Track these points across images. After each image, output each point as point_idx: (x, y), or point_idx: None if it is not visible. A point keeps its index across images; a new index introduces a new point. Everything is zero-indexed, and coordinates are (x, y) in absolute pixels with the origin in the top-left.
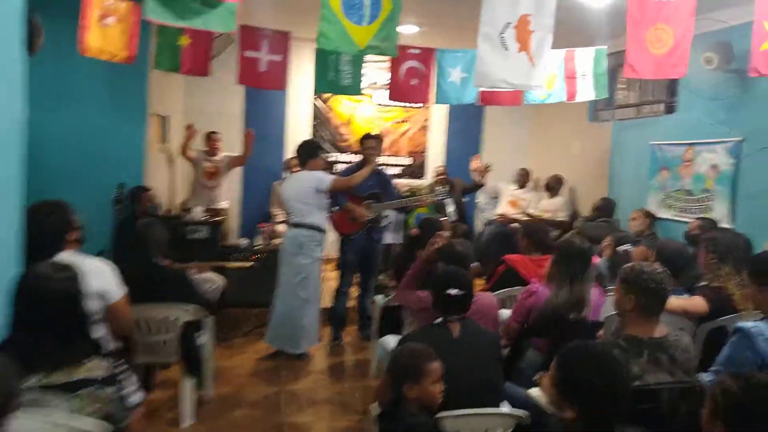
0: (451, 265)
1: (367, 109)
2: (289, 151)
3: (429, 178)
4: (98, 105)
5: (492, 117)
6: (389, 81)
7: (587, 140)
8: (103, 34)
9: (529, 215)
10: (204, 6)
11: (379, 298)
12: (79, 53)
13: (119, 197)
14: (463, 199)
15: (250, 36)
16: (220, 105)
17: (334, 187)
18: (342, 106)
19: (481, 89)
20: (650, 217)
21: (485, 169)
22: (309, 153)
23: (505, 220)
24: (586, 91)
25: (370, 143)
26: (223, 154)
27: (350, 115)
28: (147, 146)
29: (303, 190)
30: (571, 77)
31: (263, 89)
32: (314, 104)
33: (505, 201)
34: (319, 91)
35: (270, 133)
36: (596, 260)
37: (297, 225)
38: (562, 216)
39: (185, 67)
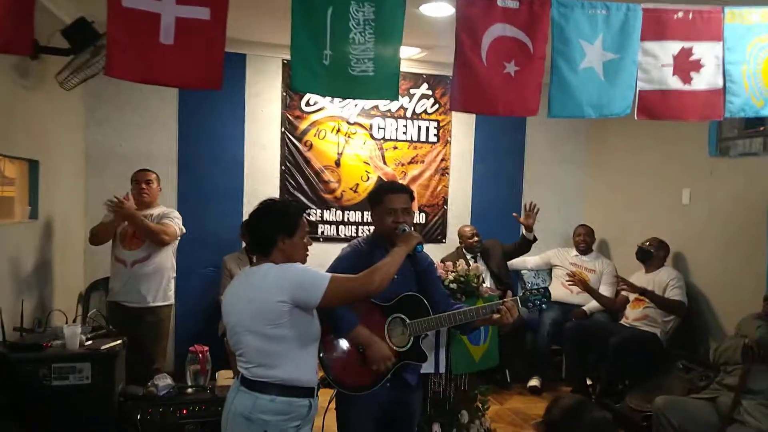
0: None
1: (362, 145)
2: (250, 209)
3: (456, 242)
4: None
5: (535, 151)
6: (455, 72)
7: (705, 184)
8: None
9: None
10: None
11: None
12: None
13: None
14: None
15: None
16: (136, 143)
17: (332, 296)
18: (326, 141)
19: (645, 88)
20: None
21: (532, 211)
22: (275, 227)
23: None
24: None
25: (398, 201)
26: (160, 208)
27: (338, 154)
28: None
29: (264, 306)
30: None
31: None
32: (285, 139)
33: (561, 273)
34: (303, 89)
35: (218, 182)
36: None
37: (253, 384)
38: (677, 294)
39: None
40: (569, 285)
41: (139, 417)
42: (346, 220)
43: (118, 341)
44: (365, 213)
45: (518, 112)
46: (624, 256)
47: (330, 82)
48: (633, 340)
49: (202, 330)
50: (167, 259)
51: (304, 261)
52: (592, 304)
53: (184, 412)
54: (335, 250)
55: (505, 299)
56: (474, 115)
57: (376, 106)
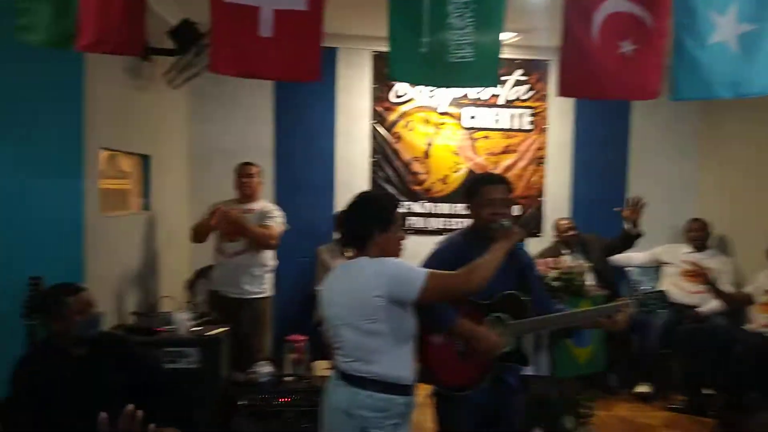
0: None
1: (450, 136)
2: (341, 200)
3: (550, 237)
4: None
5: (641, 138)
6: (563, 54)
7: None
8: None
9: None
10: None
11: None
12: None
13: (35, 301)
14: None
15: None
16: (237, 138)
17: (429, 293)
18: (416, 132)
19: None
20: None
21: (637, 206)
22: (371, 220)
23: None
24: None
25: (496, 192)
26: (261, 202)
27: (427, 145)
28: (87, 207)
29: (361, 300)
30: None
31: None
32: (374, 131)
33: (673, 272)
34: (401, 78)
35: (311, 175)
36: None
37: (351, 379)
38: None
39: (86, 38)
40: (689, 280)
41: (241, 402)
42: (434, 212)
43: (223, 328)
44: (454, 205)
45: (636, 95)
46: (747, 254)
47: (428, 71)
48: (762, 349)
49: (298, 319)
50: (267, 251)
51: (397, 255)
52: (711, 305)
53: (284, 400)
54: (423, 243)
55: (619, 302)
56: (573, 102)
57: (466, 95)
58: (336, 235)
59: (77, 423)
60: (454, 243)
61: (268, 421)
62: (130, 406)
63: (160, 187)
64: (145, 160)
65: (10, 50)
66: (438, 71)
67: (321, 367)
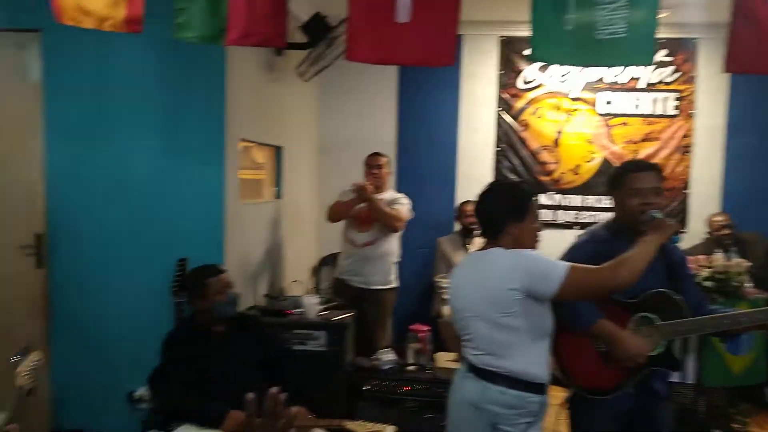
0: None
1: (583, 123)
2: (462, 191)
3: (703, 234)
4: (136, 125)
5: None
6: (733, 27)
7: None
8: None
9: None
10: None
11: None
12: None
13: (182, 281)
14: None
15: None
16: (361, 129)
17: (569, 289)
18: (545, 119)
19: None
20: None
21: None
22: (505, 209)
23: None
24: None
25: (645, 180)
26: (389, 193)
27: (557, 133)
28: (228, 195)
29: (494, 293)
30: None
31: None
32: (499, 119)
33: None
34: (543, 59)
35: (432, 165)
36: None
37: (481, 372)
38: None
39: (235, 32)
40: None
41: (365, 387)
42: (564, 204)
43: (349, 313)
44: (586, 197)
45: None
46: None
47: (573, 50)
48: None
49: (418, 310)
50: (393, 244)
51: (533, 247)
52: None
53: (406, 388)
54: (552, 237)
55: None
56: (726, 84)
57: (602, 79)
58: (457, 227)
59: (219, 394)
60: (596, 236)
61: (390, 407)
62: (275, 388)
63: (291, 177)
64: (278, 151)
65: (162, 48)
66: (585, 49)
67: (443, 359)
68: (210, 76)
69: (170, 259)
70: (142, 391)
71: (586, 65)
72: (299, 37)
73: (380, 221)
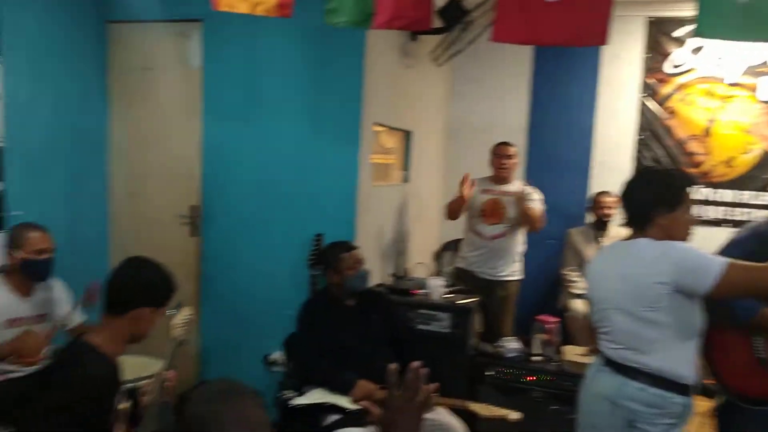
0: None
1: (741, 111)
2: (597, 182)
3: None
4: (282, 108)
5: None
6: None
7: None
8: None
9: None
10: None
11: None
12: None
13: (317, 255)
14: None
15: None
16: (491, 114)
17: (727, 287)
18: (695, 106)
19: None
20: None
21: None
22: (656, 198)
23: None
24: None
25: None
26: (516, 183)
27: (708, 122)
28: (361, 177)
29: (640, 285)
30: None
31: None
32: (642, 106)
33: None
34: (711, 35)
35: (565, 153)
36: None
37: (620, 367)
38: None
39: (383, 16)
40: None
41: (488, 373)
42: (714, 199)
43: (474, 298)
44: (740, 192)
45: None
46: None
47: (748, 24)
48: None
49: (543, 301)
50: (521, 235)
51: (685, 239)
52: None
53: (531, 378)
54: (698, 235)
55: None
56: None
57: (766, 62)
58: (589, 218)
59: (348, 364)
60: (759, 232)
61: (513, 395)
62: (417, 362)
63: (419, 161)
64: (407, 135)
65: (306, 34)
66: (761, 23)
67: (571, 352)
68: (350, 61)
69: (307, 233)
70: (276, 355)
71: (764, 40)
72: (435, 22)
73: (527, 224)
